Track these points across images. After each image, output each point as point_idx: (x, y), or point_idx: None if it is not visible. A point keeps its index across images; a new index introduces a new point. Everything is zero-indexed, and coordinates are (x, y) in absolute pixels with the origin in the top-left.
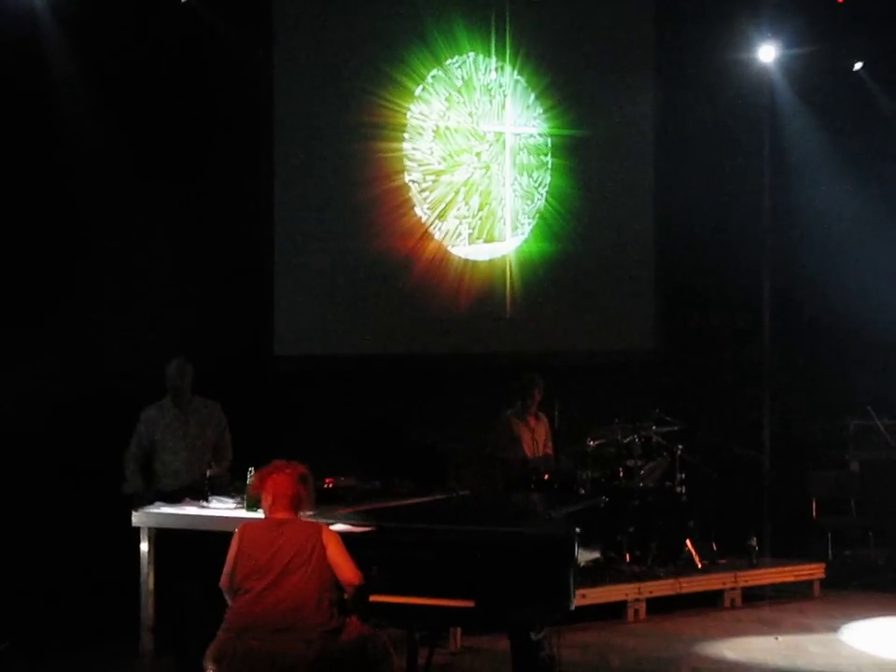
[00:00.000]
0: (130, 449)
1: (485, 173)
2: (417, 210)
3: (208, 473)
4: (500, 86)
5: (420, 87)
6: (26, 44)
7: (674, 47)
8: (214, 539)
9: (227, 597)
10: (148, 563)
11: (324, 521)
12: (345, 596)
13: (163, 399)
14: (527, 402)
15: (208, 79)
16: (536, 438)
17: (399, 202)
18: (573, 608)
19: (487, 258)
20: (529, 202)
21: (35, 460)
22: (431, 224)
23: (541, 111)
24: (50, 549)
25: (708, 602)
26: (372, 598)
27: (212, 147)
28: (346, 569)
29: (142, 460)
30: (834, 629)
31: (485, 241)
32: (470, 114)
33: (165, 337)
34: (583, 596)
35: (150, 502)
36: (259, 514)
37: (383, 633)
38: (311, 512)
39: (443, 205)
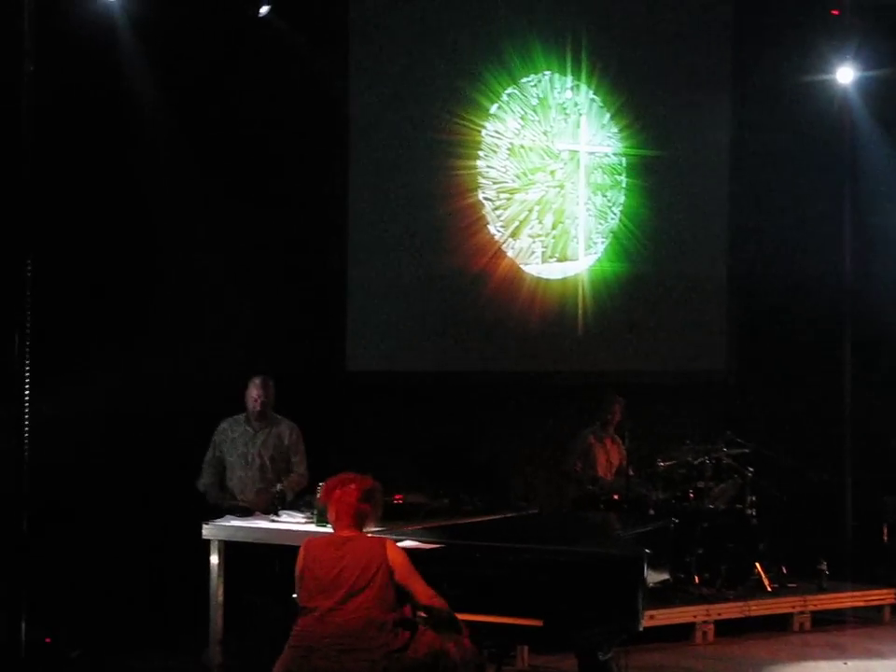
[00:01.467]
0: (206, 457)
1: (559, 191)
2: (491, 228)
3: (278, 487)
4: (576, 104)
5: (495, 105)
6: (103, 52)
7: (751, 67)
8: (283, 553)
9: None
10: (218, 575)
11: (392, 537)
12: (419, 614)
13: (241, 414)
14: (606, 421)
15: (284, 95)
16: (611, 459)
17: (472, 219)
18: (641, 628)
19: (560, 276)
20: (603, 221)
21: (114, 473)
22: (504, 242)
23: (616, 130)
24: (124, 560)
25: (777, 625)
26: None
27: (287, 163)
28: (417, 588)
29: (217, 471)
30: None
31: (558, 259)
32: (545, 132)
33: (239, 352)
34: (651, 617)
35: (220, 515)
36: (328, 529)
37: (460, 647)
38: (378, 528)
39: (517, 223)
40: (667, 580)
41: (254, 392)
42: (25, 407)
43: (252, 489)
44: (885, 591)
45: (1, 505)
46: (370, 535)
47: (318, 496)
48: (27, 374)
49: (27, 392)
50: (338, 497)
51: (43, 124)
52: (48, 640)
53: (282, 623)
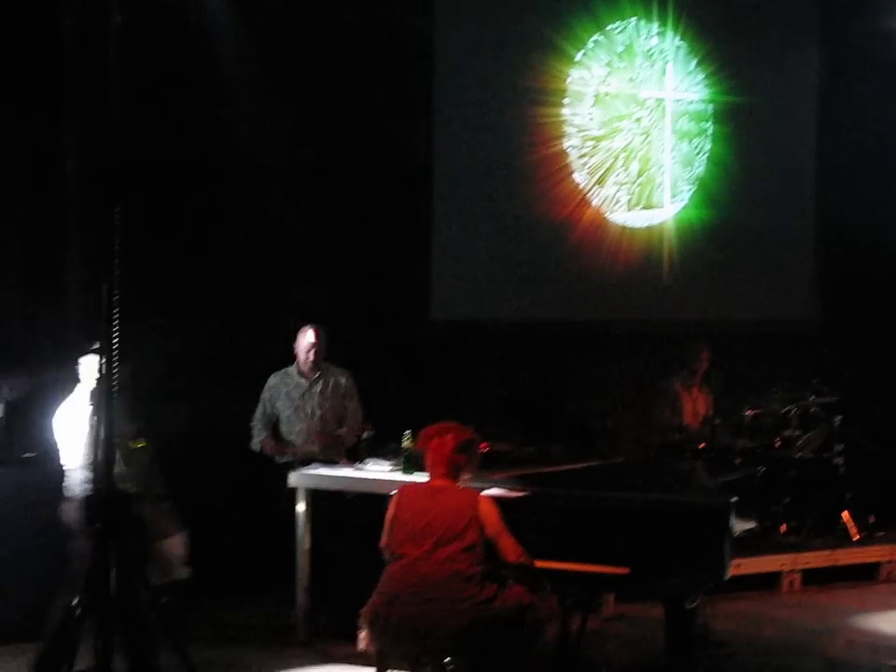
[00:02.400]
0: (255, 415)
1: (645, 139)
2: (576, 176)
3: (364, 435)
4: (662, 52)
5: (581, 52)
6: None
7: (839, 13)
8: (368, 500)
9: (385, 558)
10: (304, 523)
11: (479, 485)
12: (504, 571)
13: (290, 367)
14: (693, 370)
15: (369, 39)
16: (697, 408)
17: (557, 167)
18: (727, 577)
19: (645, 224)
20: (689, 168)
21: (201, 421)
22: (590, 190)
23: (703, 77)
24: (212, 508)
25: (864, 575)
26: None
27: (372, 111)
28: (506, 545)
29: (270, 427)
30: None
31: (644, 207)
32: (631, 79)
33: (323, 301)
34: (738, 566)
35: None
36: (414, 477)
37: (544, 603)
38: (468, 477)
39: (602, 171)
40: (754, 528)
41: (308, 341)
42: (114, 355)
43: (311, 442)
44: None
45: (94, 456)
46: (463, 487)
47: (408, 443)
48: (115, 324)
49: (115, 340)
50: (434, 447)
51: (128, 72)
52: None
53: (368, 570)
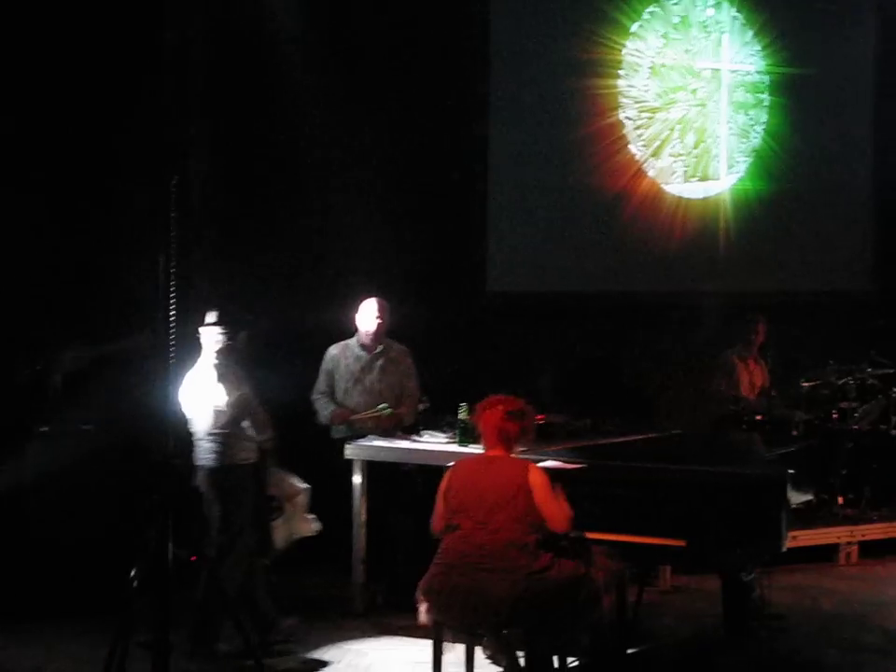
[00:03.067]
0: (317, 387)
1: (701, 110)
2: (631, 147)
3: (420, 408)
4: (717, 22)
5: (637, 23)
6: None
7: None
8: (424, 472)
9: (435, 536)
10: (361, 495)
11: (534, 457)
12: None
13: (350, 339)
14: (750, 341)
15: (424, 14)
16: (753, 380)
17: (613, 138)
18: (784, 549)
19: (701, 196)
20: (745, 140)
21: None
22: (645, 161)
23: (759, 48)
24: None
25: None
26: (585, 535)
27: (428, 83)
28: (553, 514)
29: (331, 399)
30: None
31: (700, 179)
32: (687, 51)
33: (379, 274)
34: (795, 538)
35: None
36: (470, 449)
37: (601, 573)
38: (521, 448)
39: (658, 143)
40: (811, 500)
41: (372, 314)
42: (171, 333)
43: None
44: None
45: (150, 430)
46: (515, 457)
47: (464, 414)
48: (171, 301)
49: (172, 318)
50: (486, 417)
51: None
52: (192, 558)
53: (423, 541)
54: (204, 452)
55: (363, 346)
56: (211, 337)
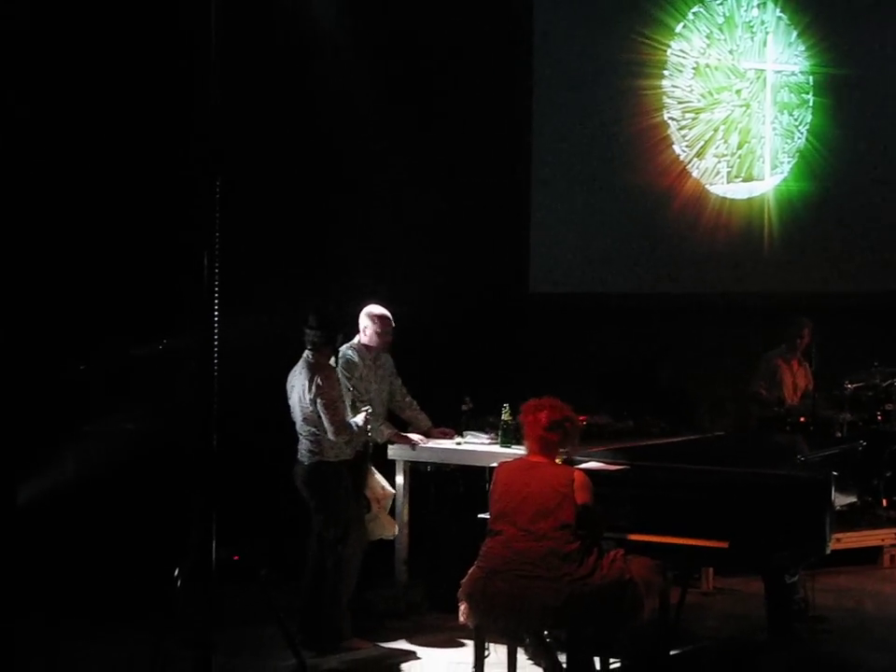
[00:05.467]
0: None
1: (745, 111)
2: (675, 148)
3: (463, 408)
4: (762, 23)
5: (681, 24)
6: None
7: None
8: (467, 472)
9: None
10: (403, 495)
11: (577, 458)
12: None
13: (353, 344)
14: (795, 345)
15: (467, 13)
16: (797, 382)
17: (657, 139)
18: (828, 551)
19: (745, 196)
20: (789, 140)
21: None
22: (689, 162)
23: (803, 48)
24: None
25: None
26: (628, 537)
27: (470, 84)
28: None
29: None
30: None
31: (744, 179)
32: (731, 51)
33: (422, 275)
34: (838, 540)
35: None
36: (512, 451)
37: (641, 581)
38: (565, 451)
39: (702, 143)
40: (855, 502)
41: (390, 321)
42: (215, 330)
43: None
44: None
45: (193, 428)
46: (558, 463)
47: (506, 416)
48: (216, 297)
49: (216, 316)
50: (529, 422)
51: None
52: (236, 558)
53: (465, 541)
54: (300, 448)
55: (367, 353)
56: (308, 337)
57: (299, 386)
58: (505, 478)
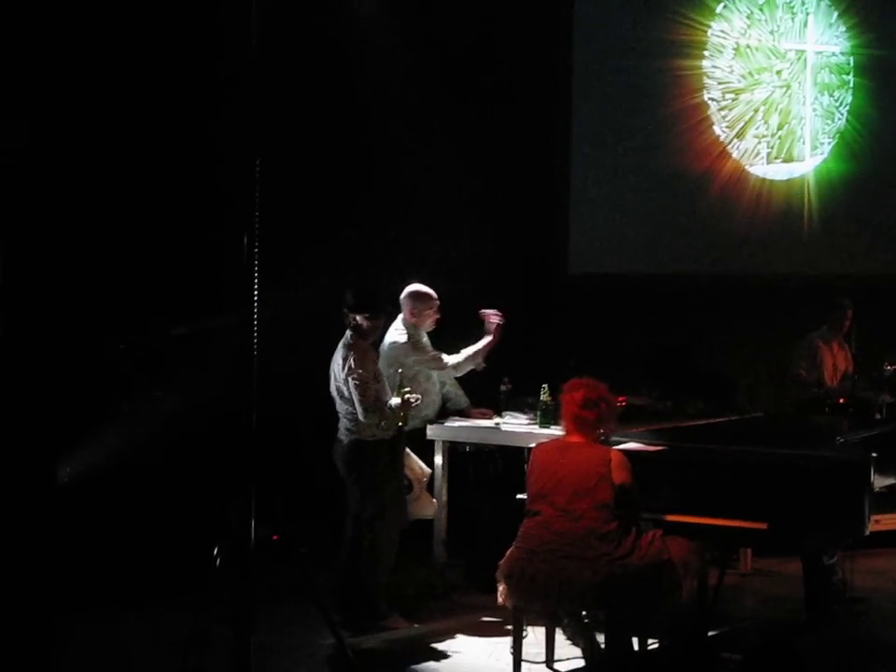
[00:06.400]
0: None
1: (785, 91)
2: (715, 128)
3: (502, 388)
4: (803, 3)
5: (721, 4)
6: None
7: None
8: (505, 453)
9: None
10: (442, 475)
11: (616, 438)
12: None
13: (400, 324)
14: (837, 327)
15: None
16: (837, 364)
17: (697, 120)
18: (867, 533)
19: (786, 177)
20: (829, 121)
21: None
22: (729, 143)
23: (844, 29)
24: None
25: None
26: (666, 518)
27: (511, 62)
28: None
29: None
30: None
31: (784, 160)
32: (772, 32)
33: (462, 256)
34: (877, 522)
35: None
36: (550, 431)
37: (678, 559)
38: (603, 431)
39: (742, 124)
40: (894, 484)
41: (436, 301)
42: (255, 309)
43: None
44: None
45: (232, 406)
46: (596, 443)
47: (545, 396)
48: (255, 276)
49: (255, 294)
50: (566, 401)
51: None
52: (275, 538)
53: (504, 522)
54: (340, 427)
55: (417, 330)
56: (347, 318)
57: (336, 366)
58: (542, 459)
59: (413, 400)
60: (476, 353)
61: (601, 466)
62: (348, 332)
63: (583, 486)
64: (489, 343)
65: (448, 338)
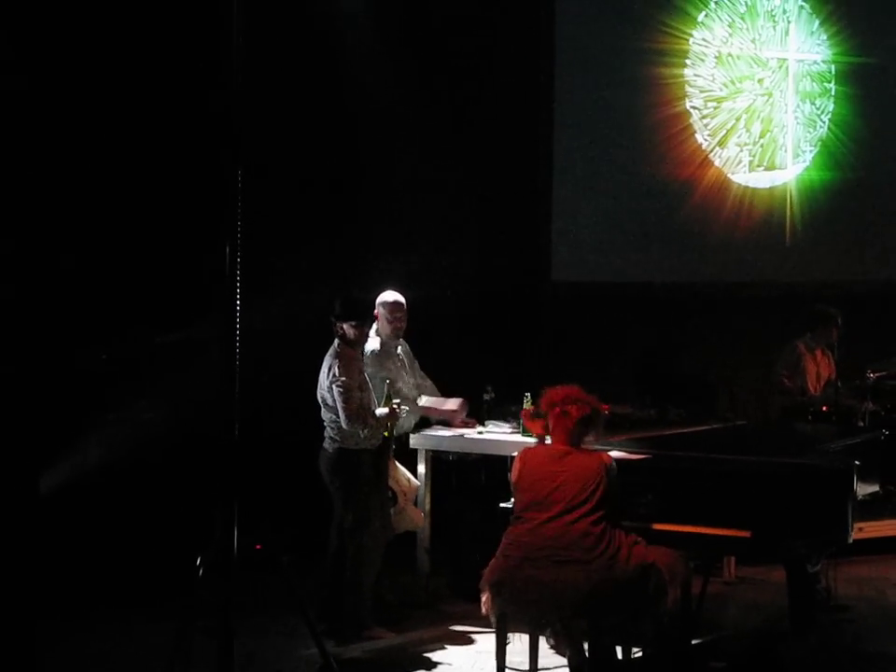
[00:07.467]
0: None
1: (767, 100)
2: (698, 136)
3: (485, 397)
4: (784, 11)
5: (703, 13)
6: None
7: None
8: (488, 462)
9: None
10: (425, 484)
11: (599, 447)
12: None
13: (376, 333)
14: (826, 335)
15: (492, 3)
16: (820, 371)
17: (679, 128)
18: (851, 541)
19: (768, 185)
20: (811, 129)
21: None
22: (712, 151)
23: (826, 37)
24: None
25: None
26: (650, 526)
27: (491, 73)
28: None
29: None
30: None
31: (766, 168)
32: (753, 40)
33: (444, 264)
34: (861, 530)
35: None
36: (534, 440)
37: (663, 566)
38: (591, 439)
39: (724, 132)
40: (877, 492)
41: (402, 306)
42: (237, 318)
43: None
44: None
45: (215, 415)
46: (589, 449)
47: (528, 405)
48: (237, 285)
49: (238, 302)
50: (557, 414)
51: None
52: (258, 547)
53: (487, 531)
54: (324, 435)
55: (390, 339)
56: (334, 326)
57: (322, 374)
58: (534, 466)
59: (399, 411)
60: (429, 409)
61: (599, 470)
62: (336, 341)
63: (583, 491)
64: (444, 413)
65: (430, 348)
